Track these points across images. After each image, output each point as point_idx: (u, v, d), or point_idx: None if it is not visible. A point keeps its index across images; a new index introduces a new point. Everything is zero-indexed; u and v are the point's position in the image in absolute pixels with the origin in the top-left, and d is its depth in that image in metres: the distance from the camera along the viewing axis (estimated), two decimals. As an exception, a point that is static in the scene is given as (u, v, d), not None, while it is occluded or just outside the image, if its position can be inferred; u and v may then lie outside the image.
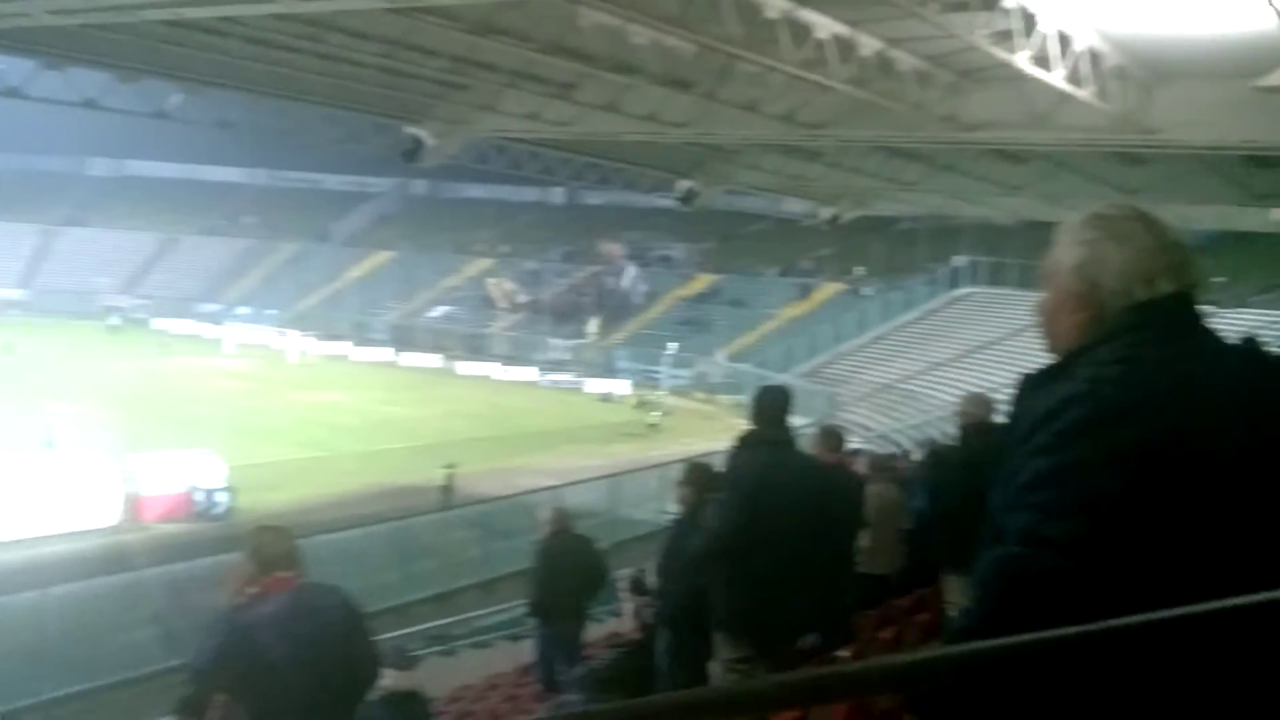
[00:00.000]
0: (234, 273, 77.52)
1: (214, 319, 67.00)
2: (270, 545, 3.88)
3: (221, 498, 24.48)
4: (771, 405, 5.33)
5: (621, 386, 50.07)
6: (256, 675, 3.70)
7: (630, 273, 65.08)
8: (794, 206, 47.55)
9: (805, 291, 58.32)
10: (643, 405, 43.37)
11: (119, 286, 75.31)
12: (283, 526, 4.05)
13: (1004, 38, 12.89)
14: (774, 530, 4.93)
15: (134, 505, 23.78)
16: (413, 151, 19.81)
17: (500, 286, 66.98)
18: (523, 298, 65.33)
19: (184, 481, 24.56)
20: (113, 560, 20.31)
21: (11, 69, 17.64)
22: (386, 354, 59.37)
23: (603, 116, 17.51)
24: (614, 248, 68.68)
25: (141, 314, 70.10)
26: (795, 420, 5.65)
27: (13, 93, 17.41)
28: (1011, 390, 1.91)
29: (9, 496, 21.77)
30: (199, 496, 24.38)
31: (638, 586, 7.06)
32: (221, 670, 3.76)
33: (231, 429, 34.30)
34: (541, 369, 54.43)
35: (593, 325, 60.25)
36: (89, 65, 16.65)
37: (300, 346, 57.30)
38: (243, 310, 69.73)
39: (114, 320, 65.30)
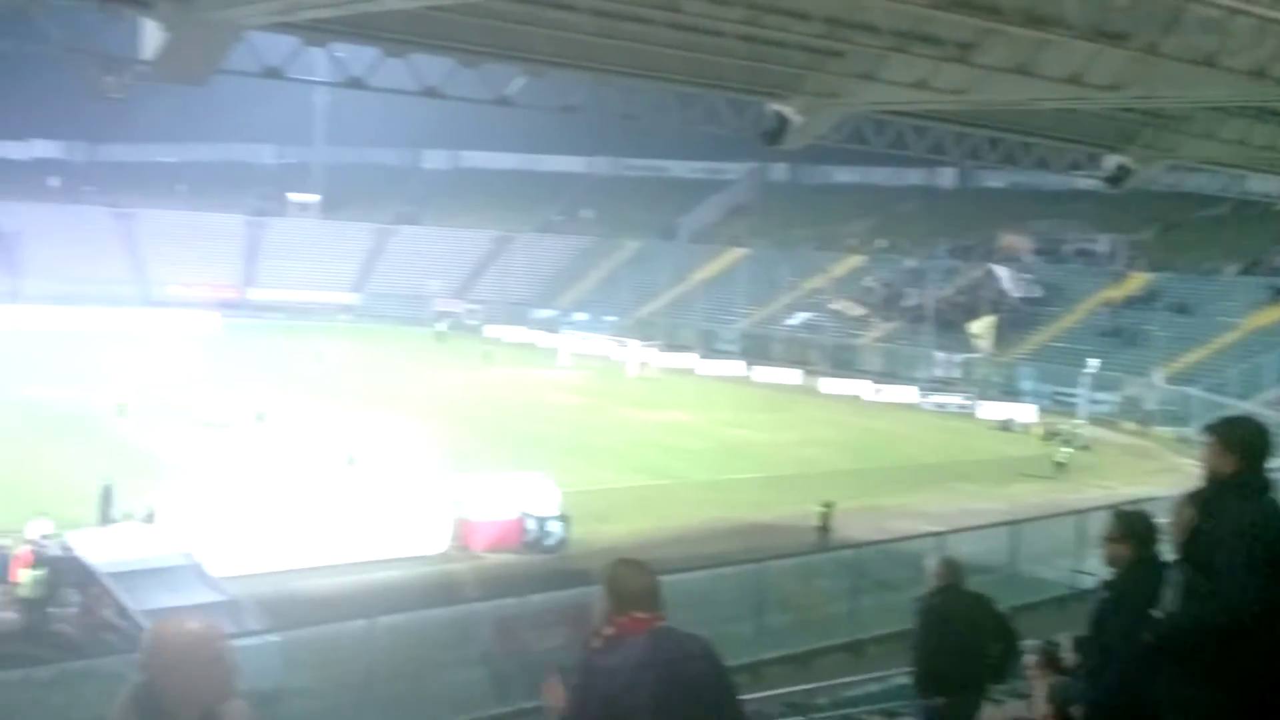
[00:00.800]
0: (571, 274, 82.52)
1: (548, 326, 71.65)
2: (629, 581, 4.13)
3: (555, 527, 25.98)
4: (1249, 441, 4.99)
5: (1025, 412, 48.51)
6: (612, 728, 3.96)
7: (1002, 273, 62.73)
8: (1262, 186, 43.89)
9: (1278, 295, 54.00)
10: (1052, 437, 41.76)
11: (451, 290, 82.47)
12: (643, 561, 4.30)
13: None
14: (1269, 608, 4.60)
15: (463, 531, 25.80)
16: (776, 132, 20.17)
17: (847, 304, 66.61)
18: (911, 300, 64.65)
19: (515, 508, 26.28)
20: (440, 591, 22.26)
21: (354, 58, 19.68)
22: (737, 368, 60.90)
23: (1009, 81, 17.02)
24: (1018, 240, 66.51)
25: (473, 320, 76.28)
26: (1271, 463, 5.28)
27: (355, 84, 19.47)
28: None
29: (342, 519, 24.33)
30: (531, 525, 26.00)
31: (1051, 662, 6.82)
32: (580, 721, 4.04)
33: (563, 449, 36.58)
34: (923, 389, 54.05)
35: (981, 331, 58.58)
36: (431, 51, 18.33)
37: (641, 358, 60.02)
38: (579, 317, 74.04)
39: (441, 326, 71.56)
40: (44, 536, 20.91)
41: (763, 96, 20.33)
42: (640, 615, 4.10)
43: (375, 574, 23.07)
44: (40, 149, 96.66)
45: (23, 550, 20.24)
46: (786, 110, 19.84)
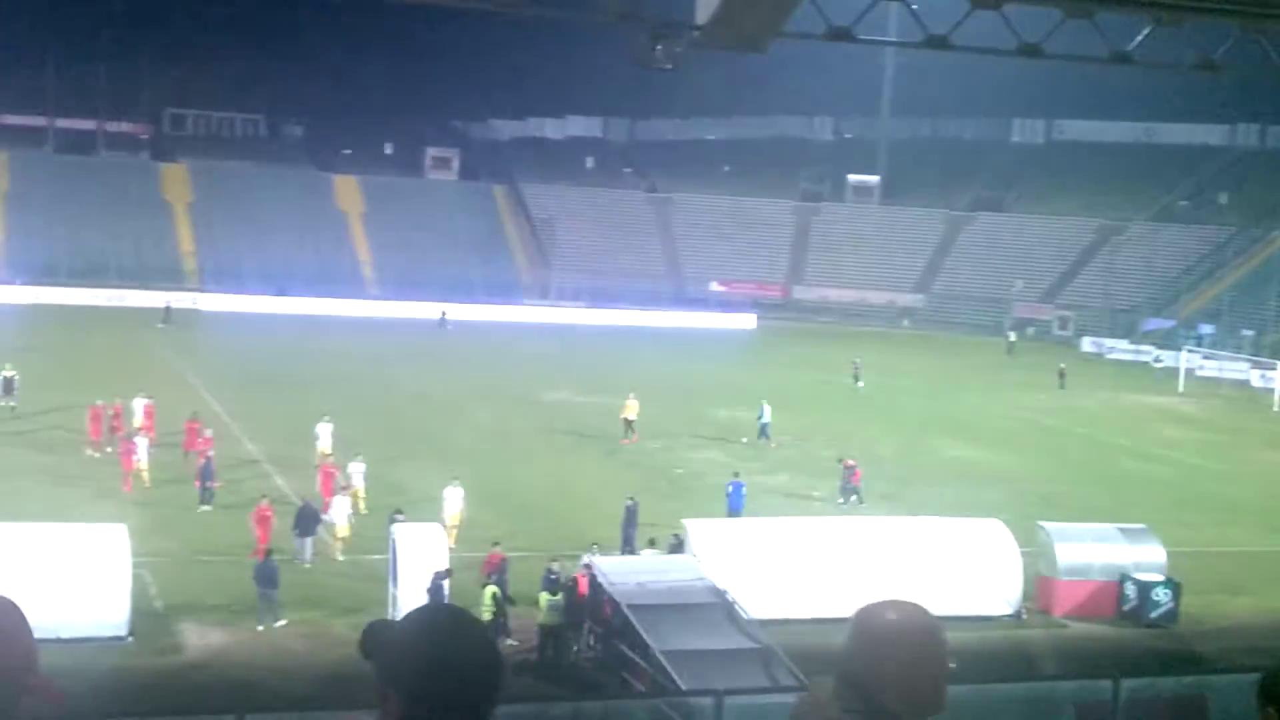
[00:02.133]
0: (1198, 276, 79.08)
1: (1164, 341, 69.07)
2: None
3: (1162, 595, 25.16)
4: None
5: None
6: None
7: None
8: None
9: None
10: None
11: (1039, 292, 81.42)
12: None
13: None
14: None
15: (1040, 592, 25.57)
16: None
17: None
18: None
19: (1110, 567, 25.73)
20: (1009, 662, 22.14)
21: (934, 12, 19.85)
22: None
23: None
24: None
25: (1064, 330, 74.92)
26: None
27: (936, 43, 19.66)
28: None
29: (891, 565, 24.78)
30: (1130, 590, 25.33)
31: None
32: None
33: (1177, 498, 35.59)
34: None
35: None
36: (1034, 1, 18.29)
37: (1290, 387, 56.77)
38: (1205, 329, 70.70)
39: (1013, 336, 70.96)
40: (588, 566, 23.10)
41: None
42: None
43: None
44: (578, 126, 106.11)
45: (579, 574, 22.75)
46: None
